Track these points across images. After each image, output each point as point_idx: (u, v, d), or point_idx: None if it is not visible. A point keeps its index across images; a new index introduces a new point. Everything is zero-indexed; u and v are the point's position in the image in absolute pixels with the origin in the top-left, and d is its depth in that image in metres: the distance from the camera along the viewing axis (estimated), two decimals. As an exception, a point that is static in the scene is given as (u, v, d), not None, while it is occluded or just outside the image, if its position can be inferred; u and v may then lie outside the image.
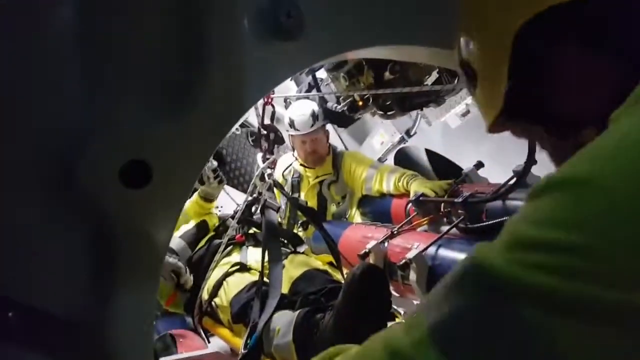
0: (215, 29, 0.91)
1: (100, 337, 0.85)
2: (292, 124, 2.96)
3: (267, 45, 0.95)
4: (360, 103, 1.71)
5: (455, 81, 1.49)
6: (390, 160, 3.38)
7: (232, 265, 2.19)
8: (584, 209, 0.42)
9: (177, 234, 2.65)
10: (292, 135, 3.04)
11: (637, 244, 0.39)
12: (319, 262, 2.31)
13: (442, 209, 2.22)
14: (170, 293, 2.54)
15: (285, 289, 1.94)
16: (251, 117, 2.57)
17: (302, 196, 3.11)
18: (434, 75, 1.59)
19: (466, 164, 2.39)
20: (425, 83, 1.48)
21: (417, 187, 2.44)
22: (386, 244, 2.18)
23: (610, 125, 0.48)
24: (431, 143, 3.07)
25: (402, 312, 2.01)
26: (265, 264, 1.92)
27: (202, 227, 2.68)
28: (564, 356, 0.41)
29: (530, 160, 1.79)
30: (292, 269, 2.11)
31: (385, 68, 1.62)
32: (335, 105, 2.01)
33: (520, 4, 0.61)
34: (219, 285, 2.11)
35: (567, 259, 0.41)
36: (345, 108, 1.78)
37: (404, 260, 1.95)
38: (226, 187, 3.92)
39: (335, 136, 3.83)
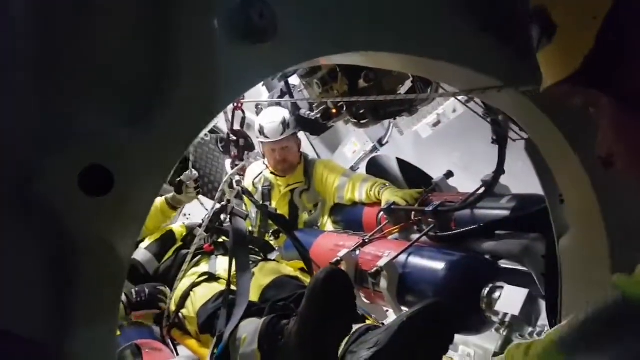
0: (184, 30, 0.88)
1: (61, 353, 0.80)
2: (261, 131, 2.93)
3: (239, 47, 0.92)
4: (334, 111, 1.71)
5: (429, 91, 1.50)
6: (362, 168, 3.39)
7: (200, 275, 2.14)
8: None
9: (142, 245, 2.57)
10: (262, 143, 3.00)
11: None
12: (290, 268, 2.28)
13: (412, 218, 2.24)
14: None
15: (255, 297, 1.90)
16: (221, 122, 2.53)
17: (274, 205, 3.07)
18: (408, 84, 1.60)
19: (436, 173, 2.42)
20: (399, 92, 1.49)
21: (389, 196, 2.45)
22: (358, 252, 2.19)
23: None
24: (403, 152, 3.10)
25: (373, 317, 2.00)
26: (233, 273, 1.88)
27: (169, 238, 2.60)
28: None
29: (499, 170, 1.82)
30: (262, 277, 2.07)
31: (360, 76, 1.62)
32: (308, 112, 2.00)
33: None
34: (186, 296, 2.06)
35: None
36: (319, 115, 1.77)
37: (375, 268, 1.95)
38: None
39: (308, 144, 3.82)
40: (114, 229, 0.85)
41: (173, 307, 2.08)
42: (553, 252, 1.49)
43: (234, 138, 2.11)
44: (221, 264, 2.23)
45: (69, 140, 0.82)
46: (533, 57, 0.76)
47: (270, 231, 2.99)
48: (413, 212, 2.24)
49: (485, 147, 1.90)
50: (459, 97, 1.60)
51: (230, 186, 2.22)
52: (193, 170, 2.67)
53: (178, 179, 2.64)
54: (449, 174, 2.35)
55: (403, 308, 1.94)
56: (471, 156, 2.54)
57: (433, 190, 2.33)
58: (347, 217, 2.87)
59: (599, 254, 1.31)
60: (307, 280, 2.12)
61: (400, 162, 3.28)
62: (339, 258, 2.14)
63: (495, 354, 1.43)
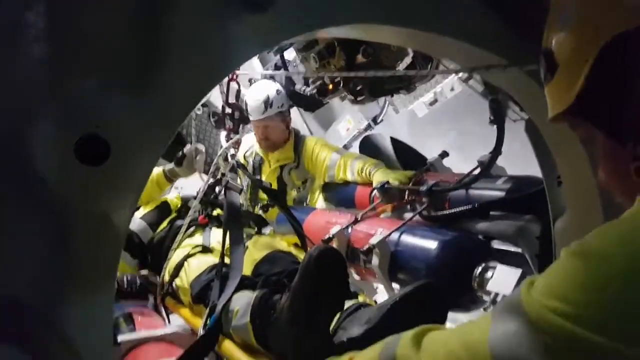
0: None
1: (57, 321, 0.79)
2: (245, 108, 2.87)
3: (235, 18, 0.90)
4: (331, 86, 1.67)
5: (429, 67, 1.47)
6: (355, 147, 3.37)
7: (194, 247, 2.13)
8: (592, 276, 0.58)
9: (137, 214, 2.56)
10: None
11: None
12: (284, 243, 2.28)
13: (406, 197, 2.24)
14: (131, 272, 2.47)
15: (248, 271, 1.90)
16: (213, 96, 2.49)
17: (264, 179, 3.05)
18: (407, 61, 1.57)
19: (431, 153, 2.41)
20: (398, 68, 1.46)
21: (380, 176, 2.44)
22: (350, 230, 2.19)
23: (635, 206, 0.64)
24: (397, 131, 3.07)
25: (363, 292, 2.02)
26: (228, 245, 1.88)
27: (164, 208, 2.60)
28: None
29: (497, 151, 1.82)
30: (255, 251, 2.07)
31: (358, 51, 1.59)
32: (304, 87, 1.97)
33: (620, 16, 0.67)
34: (180, 266, 2.05)
35: (573, 310, 0.57)
36: (315, 91, 1.74)
37: (367, 246, 1.96)
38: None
39: (301, 120, 3.78)
40: (110, 198, 0.84)
41: (167, 277, 2.08)
42: (548, 234, 1.50)
43: (229, 111, 2.07)
44: (215, 237, 2.22)
45: (66, 107, 0.79)
46: (537, 38, 0.82)
47: (260, 204, 2.98)
48: (407, 192, 2.24)
49: (482, 128, 1.89)
50: (459, 75, 1.58)
51: (225, 159, 2.20)
52: (199, 144, 2.62)
53: (181, 152, 2.59)
54: (444, 154, 2.34)
55: (394, 285, 1.95)
56: (467, 137, 2.53)
57: (427, 170, 2.33)
58: (340, 194, 2.86)
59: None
60: (300, 255, 2.12)
61: (394, 141, 3.26)
62: (331, 235, 2.14)
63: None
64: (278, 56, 2.54)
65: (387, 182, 2.33)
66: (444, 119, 2.61)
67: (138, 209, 2.60)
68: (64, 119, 0.80)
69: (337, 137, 3.40)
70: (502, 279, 1.60)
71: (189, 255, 2.07)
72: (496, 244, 1.89)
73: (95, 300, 0.82)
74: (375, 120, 3.04)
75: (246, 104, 2.85)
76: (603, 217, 1.31)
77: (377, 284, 2.16)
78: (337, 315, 1.35)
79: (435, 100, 2.54)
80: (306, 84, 2.00)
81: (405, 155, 3.11)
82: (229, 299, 1.61)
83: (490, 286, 1.62)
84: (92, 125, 0.82)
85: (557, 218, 1.43)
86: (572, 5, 0.76)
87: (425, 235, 1.90)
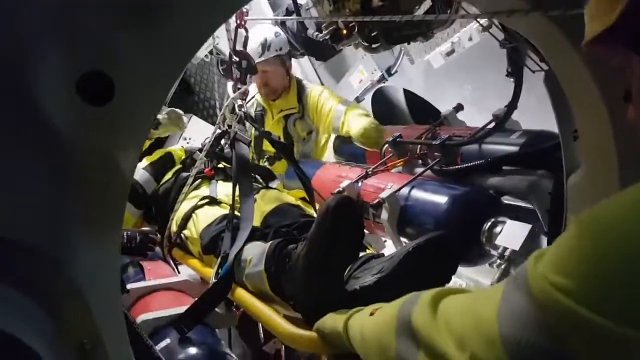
0: None
1: (63, 264, 0.79)
2: None
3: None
4: (345, 32, 1.60)
5: (448, 12, 1.40)
6: (367, 100, 3.30)
7: (202, 199, 2.13)
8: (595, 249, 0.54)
9: (140, 165, 2.54)
10: None
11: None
12: (292, 197, 2.28)
13: (418, 151, 2.21)
14: (135, 224, 2.50)
15: (257, 223, 1.91)
16: (222, 43, 2.41)
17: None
18: (425, 5, 1.49)
19: (446, 106, 2.35)
20: (416, 13, 1.39)
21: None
22: (360, 184, 2.18)
23: None
24: (412, 83, 2.99)
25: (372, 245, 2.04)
26: (237, 197, 1.88)
27: (167, 160, 2.57)
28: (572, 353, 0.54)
29: (513, 104, 1.76)
30: (264, 203, 2.07)
31: (375, -7, 1.51)
32: (316, 33, 1.89)
33: None
34: (187, 217, 2.06)
35: (577, 286, 0.54)
36: (328, 37, 1.67)
37: (377, 200, 1.95)
38: (195, 119, 3.77)
39: (313, 71, 3.69)
40: (115, 140, 0.82)
41: (174, 228, 2.10)
42: (560, 189, 1.47)
43: (236, 59, 2.00)
44: (222, 189, 2.22)
45: (67, 41, 0.76)
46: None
47: (266, 156, 2.95)
48: (419, 146, 2.20)
49: (498, 81, 1.83)
50: (480, 20, 1.51)
51: (232, 111, 2.15)
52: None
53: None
54: (459, 107, 2.28)
55: (402, 239, 1.96)
56: (483, 90, 2.46)
57: (441, 124, 2.27)
58: (350, 148, 2.83)
59: (609, 193, 1.29)
60: (308, 209, 2.13)
61: (408, 94, 3.18)
62: (341, 189, 2.13)
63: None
64: (290, 0, 2.44)
65: (400, 136, 2.29)
66: (461, 71, 2.52)
67: (140, 159, 2.59)
68: (65, 54, 0.77)
69: (349, 89, 3.33)
70: (510, 234, 1.60)
71: (196, 207, 2.07)
72: (507, 200, 1.87)
73: (102, 244, 0.82)
74: (389, 71, 2.94)
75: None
76: (618, 173, 1.28)
77: (385, 237, 2.17)
78: (350, 265, 1.37)
79: (453, 51, 2.44)
80: (319, 29, 1.92)
81: (419, 109, 3.05)
82: (241, 249, 1.62)
83: (498, 241, 1.61)
84: (96, 62, 0.79)
85: (570, 173, 1.40)
86: None
87: (435, 190, 1.89)
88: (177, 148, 2.71)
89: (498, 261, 1.62)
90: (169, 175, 2.50)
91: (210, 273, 1.69)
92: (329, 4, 1.47)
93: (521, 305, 0.60)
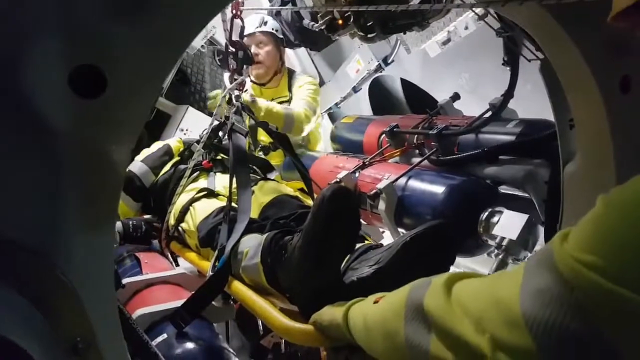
0: None
1: (57, 262, 0.79)
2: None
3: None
4: (340, 21, 1.59)
5: (444, 1, 1.39)
6: (365, 89, 3.29)
7: (199, 191, 2.13)
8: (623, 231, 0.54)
9: (138, 157, 2.54)
10: None
11: None
12: (290, 188, 2.28)
13: (415, 141, 2.20)
14: (134, 216, 2.50)
15: (254, 215, 1.91)
16: (218, 34, 2.39)
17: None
18: (421, -6, 1.48)
19: (442, 96, 2.34)
20: (411, 3, 1.38)
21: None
22: (357, 174, 2.18)
23: None
24: (409, 72, 2.97)
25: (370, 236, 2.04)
26: (234, 189, 1.87)
27: (165, 152, 2.57)
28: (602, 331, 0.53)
29: (509, 93, 1.76)
30: (262, 195, 2.07)
31: (370, -18, 1.49)
32: (312, 23, 1.87)
33: None
34: (185, 210, 2.06)
35: (610, 265, 0.53)
36: (323, 27, 1.66)
37: (374, 190, 1.95)
38: (192, 110, 3.75)
39: (309, 61, 3.67)
40: (108, 133, 0.81)
41: (172, 221, 2.09)
42: (557, 178, 1.47)
43: (233, 50, 1.99)
44: (220, 181, 2.21)
45: (60, 35, 0.75)
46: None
47: (260, 146, 2.95)
48: (416, 136, 2.20)
49: (495, 69, 1.82)
50: (475, 10, 1.49)
51: (229, 102, 2.14)
52: None
53: None
54: (455, 97, 2.27)
55: (400, 230, 1.96)
56: (479, 79, 2.45)
57: (438, 113, 2.27)
58: (348, 139, 2.82)
59: (605, 182, 1.29)
60: (306, 200, 2.12)
61: (405, 83, 3.17)
62: (338, 179, 2.13)
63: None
64: (285, -11, 2.42)
65: (396, 126, 2.28)
66: (457, 60, 2.51)
67: (138, 152, 2.59)
68: (56, 47, 0.76)
69: (346, 79, 3.31)
70: (508, 224, 1.60)
71: (194, 200, 2.07)
72: (504, 189, 1.87)
73: (96, 240, 0.81)
74: (385, 60, 2.93)
75: (242, 29, 2.77)
76: (614, 162, 1.27)
77: (383, 228, 2.17)
78: (347, 257, 1.36)
79: (449, 40, 2.42)
80: (314, 19, 1.90)
81: (416, 98, 3.04)
82: (238, 241, 1.62)
83: (495, 231, 1.62)
84: (87, 55, 0.78)
85: (567, 162, 1.40)
86: None
87: (432, 180, 1.89)
88: (174, 140, 2.71)
89: (496, 251, 1.63)
90: (167, 168, 2.49)
91: (208, 266, 1.68)
92: (324, -7, 1.46)
93: (547, 285, 0.58)
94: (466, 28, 2.32)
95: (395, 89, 3.31)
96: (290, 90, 3.03)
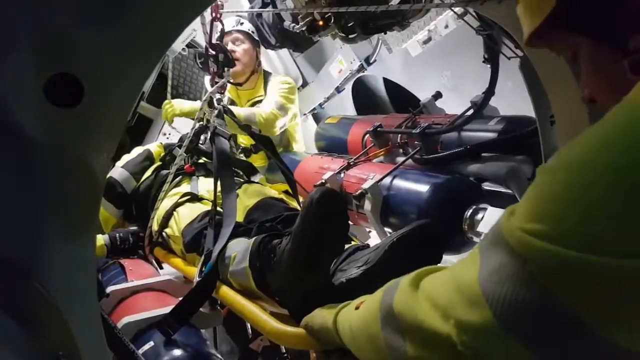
0: None
1: (36, 273, 0.77)
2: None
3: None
4: (321, 23, 1.59)
5: (423, 1, 1.40)
6: (348, 89, 3.29)
7: (183, 196, 2.11)
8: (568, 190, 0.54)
9: (119, 163, 2.51)
10: None
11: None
12: (274, 191, 2.27)
13: (399, 140, 2.21)
14: (116, 224, 2.46)
15: (240, 218, 1.90)
16: (199, 36, 2.37)
17: None
18: (401, -6, 1.49)
19: (425, 94, 2.36)
20: (391, 3, 1.38)
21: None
22: (342, 175, 2.17)
23: (615, 108, 0.56)
24: (391, 72, 2.98)
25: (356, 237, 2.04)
26: (218, 193, 1.86)
27: (146, 158, 2.54)
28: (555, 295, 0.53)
29: (490, 91, 1.77)
30: (247, 198, 2.06)
31: (349, -16, 1.49)
32: (293, 24, 1.87)
33: None
34: (169, 215, 2.03)
35: (554, 229, 0.53)
36: (304, 28, 1.65)
37: (359, 191, 1.95)
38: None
39: (292, 63, 3.66)
40: (86, 142, 0.80)
41: (156, 227, 2.07)
42: (539, 174, 1.49)
43: (213, 52, 1.97)
44: (203, 185, 2.19)
45: (35, 41, 0.73)
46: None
47: (241, 147, 2.94)
48: (399, 135, 2.21)
49: (476, 67, 1.83)
50: (455, 9, 1.51)
51: (210, 105, 2.13)
52: None
53: None
54: (438, 95, 2.29)
55: (386, 229, 1.97)
56: (460, 77, 2.47)
57: (420, 112, 2.28)
58: (332, 139, 2.82)
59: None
60: (292, 202, 2.12)
61: (387, 82, 3.18)
62: (323, 180, 2.13)
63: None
64: (266, -9, 2.41)
65: (380, 125, 2.29)
66: (438, 58, 2.52)
67: (119, 158, 2.55)
68: (30, 58, 0.75)
69: (329, 79, 3.31)
70: (492, 221, 1.61)
71: (177, 204, 2.05)
72: (488, 186, 1.88)
73: (76, 250, 0.79)
74: (368, 60, 2.94)
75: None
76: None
77: (369, 228, 2.17)
78: (335, 259, 1.36)
79: (430, 39, 2.44)
80: (295, 21, 1.90)
81: (399, 97, 3.05)
82: (225, 246, 1.60)
83: (480, 227, 1.63)
84: (63, 64, 0.77)
85: (549, 158, 1.41)
86: None
87: (416, 178, 1.89)
88: (155, 145, 2.67)
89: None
90: (148, 173, 2.46)
91: (194, 271, 1.67)
92: (304, -5, 1.46)
93: (501, 261, 0.59)
94: (446, 27, 2.33)
95: (378, 89, 3.32)
96: (265, 90, 3.02)
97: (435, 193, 1.76)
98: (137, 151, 2.58)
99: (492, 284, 0.59)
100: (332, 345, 1.10)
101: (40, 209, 0.79)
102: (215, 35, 2.03)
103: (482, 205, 1.68)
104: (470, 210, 1.67)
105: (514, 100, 1.85)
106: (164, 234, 2.03)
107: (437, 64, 2.57)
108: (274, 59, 3.66)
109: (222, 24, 2.04)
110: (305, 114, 3.52)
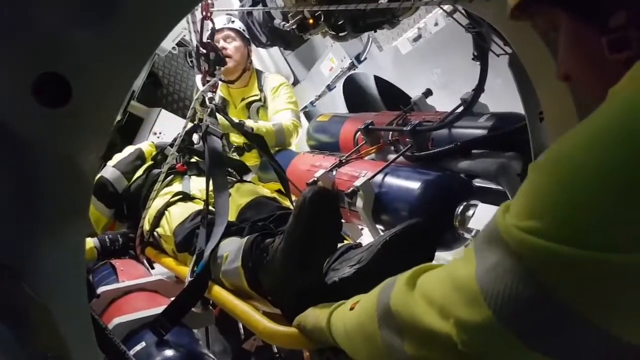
0: None
1: (24, 274, 0.76)
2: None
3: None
4: (311, 21, 1.59)
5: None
6: (339, 87, 3.29)
7: (174, 195, 2.10)
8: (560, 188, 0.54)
9: (110, 163, 2.49)
10: None
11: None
12: (267, 190, 2.26)
13: (390, 137, 2.22)
14: (107, 223, 2.45)
15: (232, 217, 1.89)
16: (190, 35, 2.36)
17: None
18: (390, -8, 1.49)
19: (415, 92, 2.37)
20: (380, 1, 1.39)
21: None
22: (334, 173, 2.18)
23: (605, 102, 0.56)
24: (381, 70, 2.99)
25: (349, 235, 2.05)
26: (210, 192, 1.85)
27: (137, 157, 2.52)
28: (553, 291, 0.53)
29: (480, 88, 1.78)
30: (239, 197, 2.05)
31: (340, -18, 1.49)
32: (283, 23, 1.87)
33: None
34: (160, 215, 2.02)
35: (550, 226, 0.54)
36: (294, 26, 1.65)
37: (351, 188, 1.96)
38: (164, 112, 3.71)
39: (283, 61, 3.65)
40: (75, 142, 0.79)
41: (147, 226, 2.06)
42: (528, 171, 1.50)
43: (204, 51, 1.97)
44: (195, 184, 2.19)
45: (22, 41, 0.73)
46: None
47: (233, 147, 2.93)
48: (391, 132, 2.21)
49: (465, 64, 1.84)
50: (444, 7, 1.51)
51: (202, 104, 2.12)
52: None
53: None
54: (428, 93, 2.29)
55: (378, 226, 1.97)
56: (451, 74, 2.48)
57: (411, 110, 2.29)
58: (324, 137, 2.82)
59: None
60: (284, 201, 2.11)
61: (378, 80, 3.19)
62: (315, 178, 2.13)
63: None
64: (257, -10, 2.40)
65: (371, 123, 2.29)
66: (428, 56, 2.53)
67: (110, 157, 2.54)
68: (18, 57, 0.74)
69: (320, 77, 3.31)
70: (482, 217, 1.62)
71: (169, 204, 2.04)
72: (478, 182, 1.90)
73: (65, 251, 0.79)
74: (358, 58, 2.94)
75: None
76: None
77: (362, 225, 2.18)
78: (328, 258, 1.36)
79: (419, 36, 2.45)
80: (285, 19, 1.90)
81: (389, 95, 3.06)
82: (217, 245, 1.60)
83: (471, 224, 1.64)
84: (50, 63, 0.76)
85: (538, 154, 1.42)
86: None
87: (408, 176, 1.90)
88: (146, 144, 2.66)
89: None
90: (140, 173, 2.45)
91: (186, 271, 1.66)
92: (294, -7, 1.45)
93: (497, 258, 0.59)
94: (436, 24, 2.34)
95: (369, 87, 3.33)
96: (261, 89, 3.01)
97: (426, 190, 1.77)
98: (128, 150, 2.56)
99: (490, 281, 0.59)
100: (325, 345, 1.10)
101: (28, 208, 0.78)
102: (206, 34, 2.02)
103: (472, 202, 1.69)
104: (461, 207, 1.68)
105: (503, 97, 1.86)
106: (155, 233, 2.02)
107: (427, 62, 2.58)
108: (265, 58, 3.65)
109: (213, 23, 2.03)
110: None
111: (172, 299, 1.57)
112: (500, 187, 1.76)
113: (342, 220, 2.10)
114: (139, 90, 3.48)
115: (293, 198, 2.04)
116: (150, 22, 0.81)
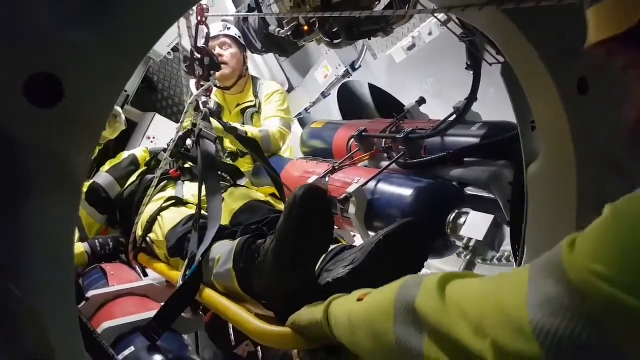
0: None
1: (12, 276, 0.75)
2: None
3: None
4: (306, 28, 1.60)
5: (407, 7, 1.41)
6: (333, 94, 3.31)
7: (167, 200, 2.08)
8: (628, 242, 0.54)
9: (103, 168, 2.48)
10: None
11: None
12: (261, 194, 2.26)
13: (383, 145, 2.23)
14: (100, 229, 2.43)
15: (226, 222, 1.88)
16: (185, 40, 2.37)
17: None
18: (385, 1, 1.51)
19: (409, 100, 2.38)
20: (375, 9, 1.40)
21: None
22: (327, 179, 2.18)
23: None
24: (376, 78, 3.01)
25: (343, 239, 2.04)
26: (203, 197, 1.84)
27: (131, 162, 2.51)
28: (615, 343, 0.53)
29: (473, 97, 1.80)
30: (232, 201, 2.04)
31: (334, -11, 1.50)
32: (278, 29, 1.88)
33: None
34: (153, 220, 2.00)
35: (622, 277, 0.52)
36: (289, 33, 1.66)
37: (344, 195, 1.96)
38: (159, 117, 3.70)
39: (278, 68, 3.67)
40: (66, 142, 0.79)
41: (140, 232, 2.04)
42: (520, 179, 1.51)
43: (199, 56, 1.97)
44: (188, 190, 2.17)
45: (13, 40, 0.73)
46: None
47: (227, 152, 2.93)
48: (384, 140, 2.22)
49: (459, 73, 1.86)
50: (438, 16, 1.53)
51: (196, 109, 2.12)
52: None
53: None
54: (421, 101, 2.31)
55: (370, 233, 1.97)
56: (444, 83, 2.50)
57: (405, 118, 2.30)
58: (317, 143, 2.83)
59: (567, 181, 1.33)
60: (278, 205, 2.11)
61: (373, 88, 3.21)
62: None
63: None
64: (252, -5, 2.41)
65: (365, 130, 2.30)
66: (422, 65, 2.56)
67: (103, 163, 2.52)
68: (10, 56, 0.74)
69: (315, 84, 3.33)
70: (474, 225, 1.63)
71: (162, 209, 2.02)
72: (470, 190, 1.90)
73: (55, 253, 0.78)
74: (353, 66, 2.97)
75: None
76: (575, 162, 1.32)
77: (354, 232, 2.18)
78: (322, 258, 1.34)
79: (414, 45, 2.47)
80: (280, 25, 1.91)
81: (384, 103, 3.08)
82: (208, 248, 1.59)
83: (463, 232, 1.65)
84: (42, 63, 0.76)
85: (530, 163, 1.44)
86: None
87: (400, 183, 1.91)
88: (140, 150, 2.65)
89: (464, 252, 1.65)
90: (133, 178, 2.43)
91: (178, 276, 1.65)
92: (289, 0, 1.46)
93: (557, 293, 0.57)
94: (430, 34, 2.37)
95: (363, 94, 3.35)
96: (256, 96, 3.02)
97: (418, 197, 1.78)
98: (122, 156, 2.55)
99: (543, 314, 0.57)
100: (319, 343, 1.09)
101: (17, 208, 0.78)
102: (202, 40, 2.02)
103: (464, 210, 1.70)
104: (453, 215, 1.69)
105: (496, 105, 1.88)
106: (148, 239, 2.01)
107: (421, 70, 2.60)
108: (260, 64, 3.67)
109: (208, 28, 2.04)
110: (292, 119, 3.54)
111: (163, 303, 1.56)
112: (492, 196, 1.77)
113: (335, 227, 2.12)
114: (133, 95, 3.48)
115: (287, 202, 2.03)
116: (143, 23, 0.81)
